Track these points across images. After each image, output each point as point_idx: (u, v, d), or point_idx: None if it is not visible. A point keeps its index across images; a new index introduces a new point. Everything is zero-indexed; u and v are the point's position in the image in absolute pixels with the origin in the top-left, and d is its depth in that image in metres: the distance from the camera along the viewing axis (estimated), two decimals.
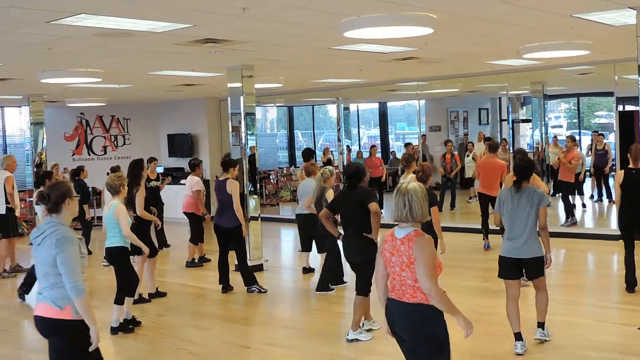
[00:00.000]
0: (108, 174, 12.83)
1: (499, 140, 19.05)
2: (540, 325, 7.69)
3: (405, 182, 4.97)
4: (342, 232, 8.37)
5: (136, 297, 9.92)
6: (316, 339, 8.53)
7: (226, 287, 11.06)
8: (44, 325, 5.21)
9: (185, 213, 13.31)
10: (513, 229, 7.41)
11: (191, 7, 7.27)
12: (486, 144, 15.68)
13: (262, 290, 10.92)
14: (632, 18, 8.43)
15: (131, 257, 9.30)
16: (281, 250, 15.20)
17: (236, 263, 11.03)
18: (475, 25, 9.16)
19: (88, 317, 5.12)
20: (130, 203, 9.81)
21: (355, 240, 8.07)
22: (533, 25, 9.36)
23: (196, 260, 13.36)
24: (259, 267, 12.48)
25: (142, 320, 9.47)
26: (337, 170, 19.57)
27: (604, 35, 10.22)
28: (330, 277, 10.80)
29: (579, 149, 16.44)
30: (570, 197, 15.57)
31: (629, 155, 9.72)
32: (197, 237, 13.22)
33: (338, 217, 8.72)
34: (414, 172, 9.76)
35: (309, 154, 12.78)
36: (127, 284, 9.05)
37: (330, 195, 10.11)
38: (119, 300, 8.98)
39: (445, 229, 15.96)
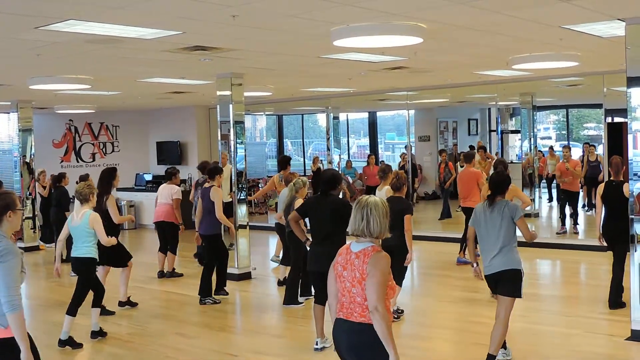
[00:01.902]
0: (77, 182, 12.73)
1: (490, 151, 19.10)
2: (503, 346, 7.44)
3: (366, 196, 4.77)
4: (309, 237, 8.30)
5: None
6: (303, 347, 8.49)
7: (218, 292, 11.06)
8: None
9: (163, 222, 12.96)
10: (484, 244, 7.23)
11: (180, 14, 7.26)
12: (462, 154, 15.71)
13: (217, 302, 10.84)
14: (621, 30, 8.46)
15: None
16: (269, 259, 15.14)
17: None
18: (464, 35, 9.18)
19: (21, 334, 4.75)
20: (99, 211, 9.39)
21: (322, 248, 7.83)
22: (522, 36, 9.38)
23: (165, 272, 13.12)
24: (247, 275, 12.47)
25: (128, 327, 9.44)
26: None
27: (593, 46, 10.25)
28: (297, 290, 10.66)
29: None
30: (569, 206, 15.66)
31: (609, 168, 9.76)
32: (174, 245, 13.10)
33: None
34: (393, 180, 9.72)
35: (285, 161, 12.78)
36: (84, 296, 8.82)
37: (299, 203, 9.90)
38: (96, 304, 8.90)
39: (434, 238, 16.07)
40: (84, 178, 12.61)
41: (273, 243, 17.20)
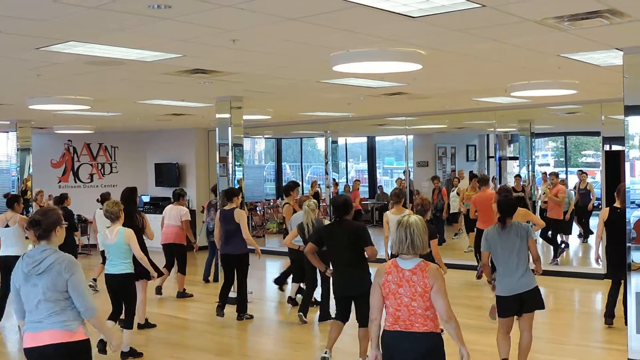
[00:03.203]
0: (98, 200, 12.78)
1: (488, 176, 19.09)
2: None
3: (406, 216, 5.15)
4: (330, 267, 8.36)
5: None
6: None
7: (221, 310, 11.19)
8: (58, 351, 5.17)
9: (172, 244, 13.00)
10: (508, 266, 7.44)
11: (181, 37, 7.30)
12: (475, 179, 15.73)
13: (249, 317, 11.20)
14: (618, 59, 8.52)
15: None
16: (266, 282, 15.13)
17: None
18: (463, 62, 9.22)
19: (105, 330, 5.83)
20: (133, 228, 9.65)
21: (350, 274, 8.02)
22: (521, 64, 9.42)
23: (181, 291, 13.22)
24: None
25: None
26: (324, 204, 19.60)
27: (591, 75, 10.30)
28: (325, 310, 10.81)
29: (565, 187, 16.51)
30: (557, 235, 15.60)
31: (616, 194, 9.79)
32: (184, 266, 13.12)
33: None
34: (414, 206, 9.79)
35: (292, 187, 12.84)
36: (134, 308, 9.13)
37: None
38: (128, 325, 9.04)
39: None
40: (106, 197, 12.69)
41: (270, 266, 17.23)
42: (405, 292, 4.97)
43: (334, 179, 20.39)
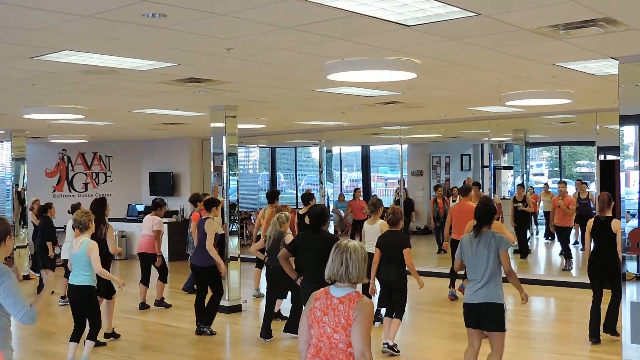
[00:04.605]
0: (69, 212, 12.65)
1: (483, 187, 19.10)
2: None
3: (346, 240, 4.71)
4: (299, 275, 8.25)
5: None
6: None
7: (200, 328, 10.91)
8: None
9: (145, 254, 12.87)
10: (472, 274, 7.21)
11: (176, 46, 7.28)
12: (458, 188, 15.68)
13: (212, 333, 10.79)
14: (614, 68, 8.51)
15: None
16: (260, 292, 15.08)
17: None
18: (458, 71, 9.22)
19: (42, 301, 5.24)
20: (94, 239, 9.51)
21: (314, 285, 7.82)
22: (516, 73, 9.43)
23: (158, 299, 13.10)
24: (238, 308, 12.40)
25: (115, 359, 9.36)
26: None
27: (586, 84, 10.31)
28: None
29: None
30: (559, 242, 15.64)
31: (596, 204, 9.87)
32: (165, 274, 13.06)
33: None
34: (384, 215, 9.77)
35: (274, 195, 12.87)
36: (98, 320, 8.91)
37: (289, 239, 9.92)
38: (92, 336, 8.79)
39: (426, 273, 16.01)
40: (76, 207, 12.55)
41: (264, 276, 17.14)
42: (329, 321, 4.46)
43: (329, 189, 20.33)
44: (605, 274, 9.53)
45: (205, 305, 10.93)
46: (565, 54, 8.14)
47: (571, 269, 15.41)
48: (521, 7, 5.91)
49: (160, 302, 13.03)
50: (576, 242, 18.31)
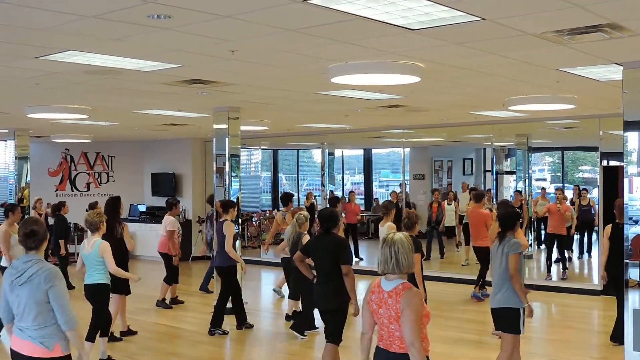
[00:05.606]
0: (87, 210, 12.71)
1: (484, 190, 19.07)
2: None
3: (391, 233, 4.89)
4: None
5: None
6: None
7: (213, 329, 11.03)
8: None
9: (160, 253, 13.17)
10: (494, 280, 7.44)
11: (180, 47, 7.28)
12: (472, 193, 15.64)
13: (225, 332, 11.02)
14: (618, 74, 8.50)
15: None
16: (261, 293, 15.09)
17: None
18: (461, 76, 9.21)
19: (81, 344, 5.51)
20: (113, 239, 9.64)
21: (324, 287, 7.88)
22: (519, 78, 9.42)
23: (167, 301, 13.17)
24: None
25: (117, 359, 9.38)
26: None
27: (589, 89, 10.30)
28: (305, 322, 10.73)
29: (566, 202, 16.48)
30: (556, 249, 15.54)
31: (615, 210, 9.78)
32: (171, 277, 13.07)
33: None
34: (401, 219, 9.78)
35: (287, 198, 12.94)
36: (102, 322, 8.98)
37: (305, 240, 10.10)
38: (90, 337, 8.83)
39: (430, 277, 16.04)
40: (93, 206, 12.69)
41: (266, 277, 17.20)
42: (384, 313, 4.77)
43: (331, 191, 20.27)
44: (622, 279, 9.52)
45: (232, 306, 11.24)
46: (569, 59, 8.12)
47: (550, 279, 15.29)
48: (525, 12, 5.90)
49: (161, 303, 13.06)
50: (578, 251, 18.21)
